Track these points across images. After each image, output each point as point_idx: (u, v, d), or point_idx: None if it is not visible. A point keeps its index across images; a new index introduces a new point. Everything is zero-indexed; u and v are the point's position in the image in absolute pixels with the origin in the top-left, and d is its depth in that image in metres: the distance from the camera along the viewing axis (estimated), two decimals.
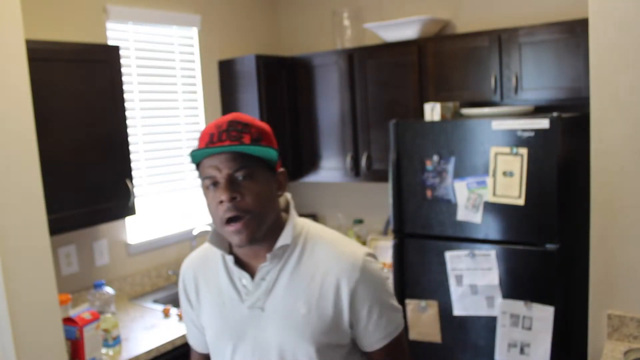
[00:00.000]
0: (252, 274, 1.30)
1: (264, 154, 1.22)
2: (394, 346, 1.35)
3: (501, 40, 2.78)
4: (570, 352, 2.44)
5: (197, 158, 1.22)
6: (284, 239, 1.28)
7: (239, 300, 1.31)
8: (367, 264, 1.29)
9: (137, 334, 2.53)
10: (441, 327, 2.63)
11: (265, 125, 1.28)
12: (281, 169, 1.31)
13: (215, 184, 1.21)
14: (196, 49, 3.41)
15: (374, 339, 1.32)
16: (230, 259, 1.31)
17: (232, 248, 1.32)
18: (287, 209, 1.35)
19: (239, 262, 1.32)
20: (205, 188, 1.23)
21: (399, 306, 1.37)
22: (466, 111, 2.77)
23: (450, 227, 2.57)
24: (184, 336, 2.50)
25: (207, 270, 1.39)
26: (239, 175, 1.20)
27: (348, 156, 3.36)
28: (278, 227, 1.29)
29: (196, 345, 1.51)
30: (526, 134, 2.34)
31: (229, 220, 1.20)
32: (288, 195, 1.38)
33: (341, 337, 1.30)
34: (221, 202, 1.19)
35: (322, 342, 1.27)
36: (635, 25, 2.05)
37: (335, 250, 1.30)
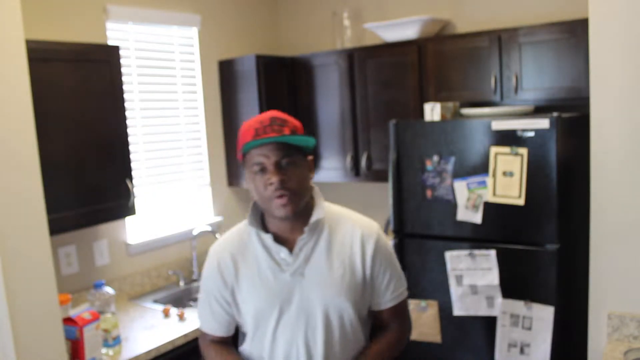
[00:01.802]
0: (289, 248, 1.54)
1: (305, 143, 1.50)
2: (400, 308, 1.65)
3: (501, 40, 2.78)
4: (570, 352, 2.44)
5: (248, 148, 1.47)
6: (318, 214, 1.54)
7: (279, 271, 1.53)
8: (381, 232, 1.63)
9: (137, 334, 2.53)
10: (441, 327, 2.63)
11: (297, 122, 1.55)
12: (310, 156, 1.57)
13: (263, 169, 1.47)
14: (196, 49, 3.41)
15: (386, 297, 1.61)
16: (269, 236, 1.54)
17: (269, 228, 1.57)
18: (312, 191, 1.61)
19: (276, 239, 1.55)
20: (254, 173, 1.49)
21: (404, 277, 1.68)
22: (466, 111, 2.77)
23: (450, 227, 2.57)
24: (184, 336, 2.50)
25: (244, 250, 1.59)
26: (284, 161, 1.46)
27: (348, 156, 3.36)
28: (310, 205, 1.56)
29: (216, 329, 1.65)
30: (526, 134, 2.34)
31: (276, 197, 1.46)
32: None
33: (367, 293, 1.58)
34: (271, 183, 1.45)
35: (356, 297, 1.55)
36: (635, 25, 2.05)
37: (356, 221, 1.61)
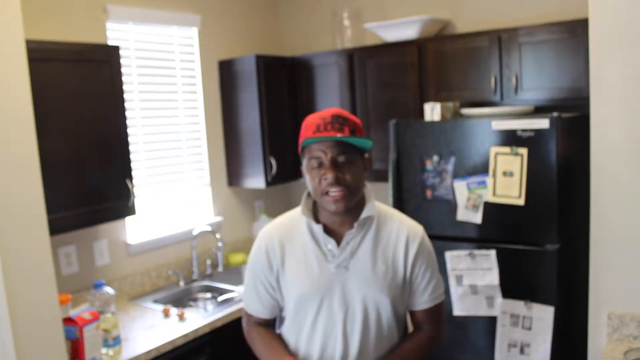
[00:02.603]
0: (336, 240, 1.59)
1: (362, 144, 1.55)
2: (437, 310, 1.70)
3: (501, 40, 2.78)
4: (570, 352, 2.44)
5: (308, 143, 1.54)
6: (368, 211, 1.60)
7: (325, 261, 1.59)
8: (425, 235, 1.68)
9: (137, 334, 2.53)
10: None
11: (358, 120, 1.61)
12: (367, 155, 1.62)
13: (320, 164, 1.54)
14: (196, 49, 3.41)
15: (423, 298, 1.66)
16: (319, 227, 1.60)
17: (320, 219, 1.63)
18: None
19: (326, 230, 1.60)
20: (311, 168, 1.56)
21: (442, 281, 1.72)
22: (466, 111, 2.77)
23: (450, 227, 2.57)
24: (184, 336, 2.50)
25: (293, 236, 1.64)
26: (341, 158, 1.53)
27: None
28: (361, 201, 1.62)
29: (260, 311, 1.69)
30: (526, 134, 2.34)
31: (329, 192, 1.52)
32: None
33: (406, 293, 1.64)
34: (325, 178, 1.51)
35: (395, 295, 1.60)
36: (636, 25, 2.05)
37: (403, 221, 1.67)
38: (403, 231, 1.64)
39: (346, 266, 1.58)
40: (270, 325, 1.75)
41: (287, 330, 1.68)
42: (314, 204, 1.66)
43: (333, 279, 1.58)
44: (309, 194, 1.65)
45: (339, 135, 1.52)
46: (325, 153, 1.52)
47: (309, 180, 1.58)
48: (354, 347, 1.58)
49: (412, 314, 1.71)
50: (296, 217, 1.68)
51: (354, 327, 1.58)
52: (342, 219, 1.60)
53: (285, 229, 1.67)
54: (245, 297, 1.74)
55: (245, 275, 1.74)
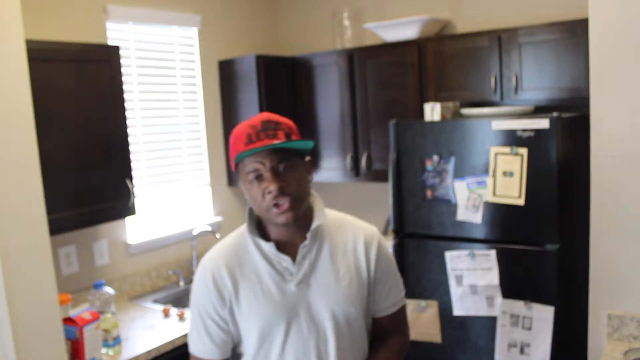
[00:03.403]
0: (291, 256, 1.44)
1: (303, 147, 1.41)
2: (402, 314, 1.60)
3: (501, 40, 2.78)
4: (570, 352, 2.44)
5: (243, 157, 1.38)
6: (320, 219, 1.46)
7: (283, 281, 1.44)
8: (381, 236, 1.57)
9: (137, 334, 2.53)
10: (441, 327, 2.63)
11: (291, 122, 1.45)
12: (308, 158, 1.48)
13: (258, 177, 1.37)
14: (196, 49, 3.41)
15: (387, 302, 1.54)
16: (270, 245, 1.44)
17: (269, 236, 1.47)
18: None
19: (277, 247, 1.45)
20: (249, 182, 1.39)
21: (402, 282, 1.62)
22: (466, 111, 2.77)
23: (450, 227, 2.57)
24: (184, 336, 2.50)
25: (241, 261, 1.47)
26: (281, 166, 1.37)
27: (348, 156, 3.36)
28: (309, 210, 1.47)
29: (213, 352, 1.47)
30: (526, 134, 2.34)
31: (276, 205, 1.37)
32: None
33: (371, 299, 1.52)
34: (269, 192, 1.36)
35: (363, 303, 1.49)
36: (635, 25, 2.05)
37: (357, 225, 1.55)
38: (359, 235, 1.51)
39: (307, 282, 1.43)
40: None
41: None
42: (259, 220, 1.49)
43: (296, 300, 1.42)
44: (251, 211, 1.49)
45: (275, 142, 1.35)
46: (263, 164, 1.36)
47: (249, 197, 1.41)
48: None
49: (377, 321, 1.57)
50: (241, 239, 1.50)
51: (328, 346, 1.44)
52: (293, 232, 1.45)
53: (230, 254, 1.48)
54: (192, 339, 1.50)
55: (190, 314, 1.52)
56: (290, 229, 1.45)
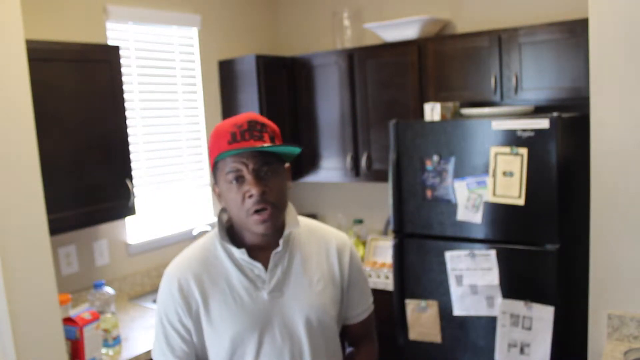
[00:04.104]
0: (263, 264, 1.38)
1: (291, 152, 1.35)
2: (370, 321, 1.58)
3: (501, 40, 2.78)
4: (570, 352, 2.44)
5: (225, 156, 1.31)
6: (292, 225, 1.41)
7: (255, 289, 1.38)
8: (352, 243, 1.55)
9: (137, 334, 2.53)
10: (441, 327, 2.63)
11: (275, 125, 1.40)
12: (287, 164, 1.41)
13: (238, 178, 1.31)
14: (196, 49, 3.41)
15: (358, 310, 1.54)
16: (242, 251, 1.37)
17: (243, 241, 1.41)
18: None
19: (248, 254, 1.38)
20: (228, 182, 1.32)
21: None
22: (466, 111, 2.77)
23: (450, 227, 2.57)
24: None
25: (209, 269, 1.40)
26: (263, 170, 1.31)
27: (348, 156, 3.36)
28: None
29: None
30: (526, 134, 2.34)
31: (256, 211, 1.31)
32: None
33: (343, 306, 1.50)
34: (250, 196, 1.30)
35: (337, 310, 1.46)
36: (635, 25, 2.05)
37: (329, 232, 1.52)
38: (332, 242, 1.49)
39: (280, 290, 1.38)
40: None
41: None
42: (229, 226, 1.44)
43: (269, 308, 1.37)
44: (221, 215, 1.44)
45: (263, 144, 1.30)
46: (245, 165, 1.29)
47: (226, 199, 1.35)
48: None
49: (349, 328, 1.55)
50: (208, 246, 1.43)
51: (302, 356, 1.39)
52: (266, 238, 1.39)
53: (197, 262, 1.41)
54: (154, 351, 1.42)
55: (155, 324, 1.44)
56: (266, 237, 1.39)
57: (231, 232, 1.43)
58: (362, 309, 1.55)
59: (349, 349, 1.61)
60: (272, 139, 1.34)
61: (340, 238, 1.52)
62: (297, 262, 1.42)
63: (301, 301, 1.39)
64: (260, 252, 1.40)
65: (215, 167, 1.36)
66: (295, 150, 1.34)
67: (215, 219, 3.46)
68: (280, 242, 1.39)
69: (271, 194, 1.32)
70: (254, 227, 1.34)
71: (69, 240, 2.74)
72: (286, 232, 1.40)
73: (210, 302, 1.37)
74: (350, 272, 1.49)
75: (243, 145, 1.29)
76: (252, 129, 1.32)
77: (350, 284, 1.50)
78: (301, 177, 3.59)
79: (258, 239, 1.39)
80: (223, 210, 1.45)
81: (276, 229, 1.37)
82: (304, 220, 1.50)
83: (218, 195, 1.40)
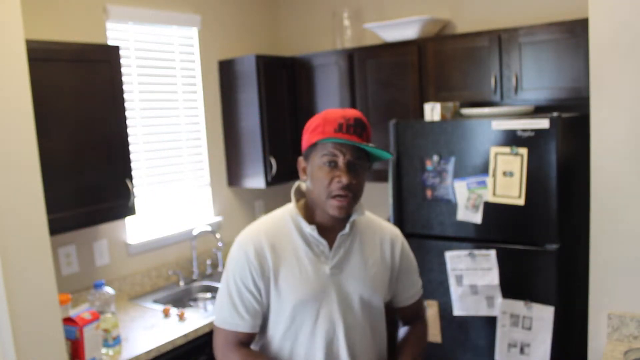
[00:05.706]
0: (328, 242, 1.55)
1: (383, 156, 1.53)
2: (421, 303, 1.80)
3: (501, 40, 2.78)
4: (570, 352, 2.44)
5: (329, 141, 1.46)
6: (359, 213, 1.59)
7: (319, 263, 1.54)
8: (403, 237, 1.74)
9: (137, 334, 2.53)
10: (441, 327, 2.63)
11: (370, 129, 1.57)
12: (370, 165, 1.59)
13: (332, 162, 1.48)
14: (196, 49, 3.41)
15: (409, 293, 1.73)
16: (313, 228, 1.53)
17: (313, 219, 1.57)
18: None
19: (318, 232, 1.55)
20: (322, 164, 1.49)
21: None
22: (466, 111, 2.77)
23: (450, 227, 2.57)
24: (184, 336, 2.50)
25: (281, 239, 1.56)
26: (356, 163, 1.49)
27: None
28: None
29: (245, 326, 1.53)
30: (526, 134, 2.34)
31: (338, 196, 1.48)
32: None
33: (391, 290, 1.69)
34: (339, 181, 1.46)
35: (385, 292, 1.65)
36: (635, 25, 2.05)
37: (383, 224, 1.71)
38: (386, 233, 1.68)
39: (340, 268, 1.56)
40: (250, 348, 1.58)
41: (279, 341, 1.55)
42: (304, 203, 1.60)
43: (329, 282, 1.54)
44: (297, 191, 1.61)
45: (360, 142, 1.47)
46: (343, 154, 1.47)
47: (314, 176, 1.51)
48: (358, 348, 1.57)
49: (401, 310, 1.76)
50: (282, 218, 1.59)
51: (355, 329, 1.57)
52: (338, 220, 1.56)
53: (272, 231, 1.56)
54: (222, 313, 1.55)
55: (221, 288, 1.58)
56: (335, 219, 1.54)
57: (305, 209, 1.59)
58: (413, 292, 1.74)
59: (403, 328, 1.79)
60: (367, 140, 1.51)
61: (393, 231, 1.71)
62: (357, 246, 1.60)
63: (357, 280, 1.57)
64: (326, 230, 1.56)
65: (313, 145, 1.51)
66: (388, 155, 1.53)
67: (215, 219, 3.47)
68: (347, 226, 1.55)
69: (355, 186, 1.49)
70: (330, 209, 1.50)
71: (69, 240, 2.74)
72: (353, 217, 1.56)
73: (281, 269, 1.52)
74: (401, 261, 1.68)
75: (347, 137, 1.46)
76: (357, 126, 1.49)
77: (401, 271, 1.68)
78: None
79: (328, 219, 1.55)
80: (297, 190, 1.62)
81: (348, 214, 1.53)
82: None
83: (302, 170, 1.57)
